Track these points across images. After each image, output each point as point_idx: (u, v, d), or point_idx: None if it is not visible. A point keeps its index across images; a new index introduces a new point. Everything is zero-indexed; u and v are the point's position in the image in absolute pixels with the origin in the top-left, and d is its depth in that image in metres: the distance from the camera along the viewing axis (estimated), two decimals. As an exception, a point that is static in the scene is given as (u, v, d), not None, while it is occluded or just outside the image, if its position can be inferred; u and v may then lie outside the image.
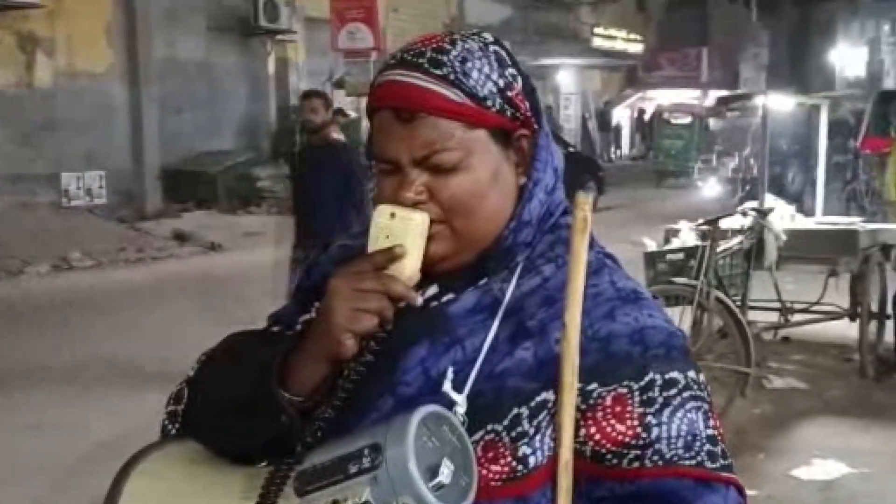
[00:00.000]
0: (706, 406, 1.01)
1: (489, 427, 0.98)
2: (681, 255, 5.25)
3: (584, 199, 0.99)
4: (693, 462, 0.98)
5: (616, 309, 1.02)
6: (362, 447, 0.90)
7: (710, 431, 1.00)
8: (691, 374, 1.01)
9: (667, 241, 5.76)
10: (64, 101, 13.10)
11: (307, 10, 16.33)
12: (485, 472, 0.96)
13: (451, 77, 1.01)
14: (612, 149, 27.00)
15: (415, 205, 1.02)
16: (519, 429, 0.98)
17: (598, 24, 24.81)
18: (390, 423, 0.91)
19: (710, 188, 17.78)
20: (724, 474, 0.99)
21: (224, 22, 15.53)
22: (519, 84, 1.05)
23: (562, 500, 0.97)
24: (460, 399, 0.98)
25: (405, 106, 1.01)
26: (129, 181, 13.98)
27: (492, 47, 1.05)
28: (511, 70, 1.05)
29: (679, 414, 0.99)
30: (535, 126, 1.07)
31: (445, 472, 0.89)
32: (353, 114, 13.49)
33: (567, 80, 23.93)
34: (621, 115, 27.55)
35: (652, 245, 5.56)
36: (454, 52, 1.02)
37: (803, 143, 16.69)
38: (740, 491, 1.01)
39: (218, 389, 1.06)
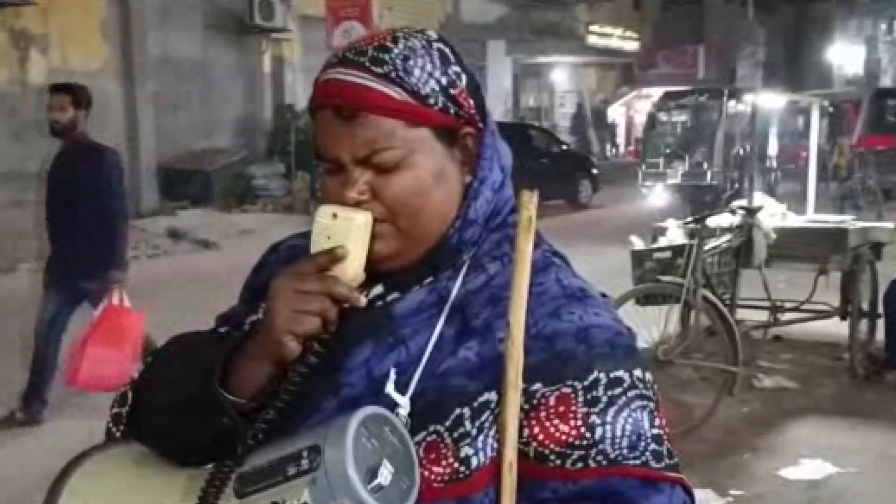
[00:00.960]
0: (652, 405, 1.00)
1: (431, 428, 0.97)
2: (668, 254, 5.24)
3: (529, 198, 0.99)
4: (638, 462, 0.97)
5: (561, 307, 1.01)
6: (301, 449, 0.90)
7: (655, 431, 0.99)
8: (637, 372, 1.01)
9: (654, 239, 5.75)
10: (58, 98, 13.08)
11: (302, 9, 16.32)
12: (427, 473, 0.96)
13: (393, 75, 1.00)
14: (608, 147, 27.00)
15: (357, 204, 1.01)
16: (461, 429, 0.97)
17: (594, 21, 24.79)
18: (330, 424, 0.91)
19: (657, 196, 14.78)
20: (671, 474, 0.98)
21: (219, 20, 15.52)
22: (463, 82, 1.04)
23: (506, 500, 0.96)
24: (403, 401, 0.97)
25: (345, 104, 1.00)
26: (125, 179, 13.96)
27: (435, 45, 1.04)
28: (455, 68, 1.04)
29: (624, 413, 0.98)
30: (481, 124, 1.07)
31: (385, 474, 0.88)
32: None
33: (562, 78, 23.94)
34: (617, 113, 27.52)
35: (639, 243, 5.55)
36: (396, 50, 1.01)
37: (758, 146, 15.00)
38: (687, 491, 1.00)
39: (162, 390, 1.06)
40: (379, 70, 1.00)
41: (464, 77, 1.05)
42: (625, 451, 0.97)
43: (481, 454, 0.97)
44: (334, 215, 1.01)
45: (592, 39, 24.50)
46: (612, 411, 0.97)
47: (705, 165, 14.55)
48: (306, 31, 16.59)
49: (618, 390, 0.98)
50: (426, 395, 0.98)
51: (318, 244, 1.01)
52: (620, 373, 0.99)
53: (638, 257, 5.39)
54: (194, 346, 1.08)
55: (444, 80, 1.03)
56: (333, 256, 0.99)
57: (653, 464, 0.97)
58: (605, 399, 0.98)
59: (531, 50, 21.34)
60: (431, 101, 1.01)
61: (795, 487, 4.28)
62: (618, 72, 27.27)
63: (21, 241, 10.85)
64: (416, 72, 1.01)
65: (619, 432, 0.97)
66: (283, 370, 1.00)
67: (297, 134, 15.49)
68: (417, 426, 0.97)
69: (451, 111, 1.03)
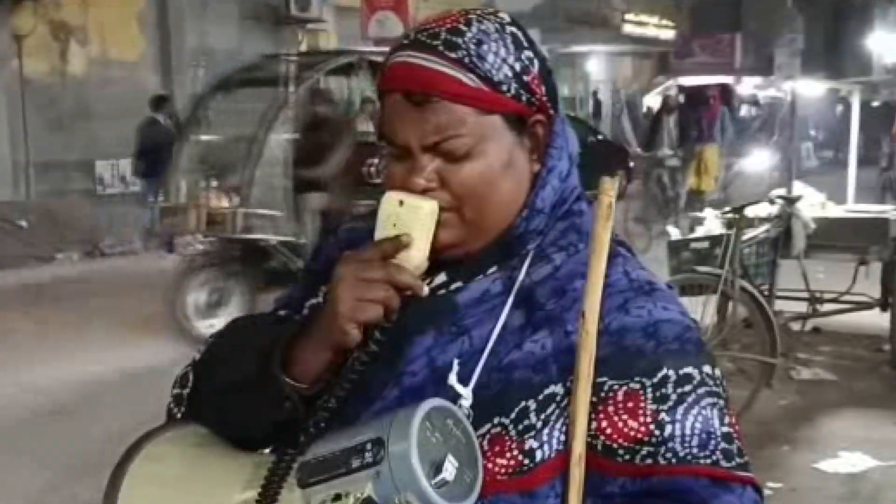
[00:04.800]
0: (722, 402, 0.98)
1: (496, 420, 0.96)
2: (705, 244, 5.19)
3: (609, 185, 0.97)
4: (708, 461, 0.95)
5: (629, 301, 0.99)
6: (365, 441, 0.89)
7: (725, 429, 0.97)
8: (707, 369, 0.98)
9: (691, 229, 5.71)
10: (97, 89, 13.23)
11: (337, -1, 16.36)
12: (490, 465, 0.95)
13: (466, 60, 0.98)
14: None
15: (425, 191, 0.99)
16: (526, 422, 0.96)
17: (629, 10, 24.56)
18: (394, 417, 0.90)
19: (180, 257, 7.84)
20: (741, 473, 0.96)
21: (256, 11, 15.58)
22: (535, 68, 1.02)
23: (574, 492, 0.95)
24: (466, 392, 0.96)
25: (418, 89, 0.98)
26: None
27: (508, 28, 1.02)
28: (528, 53, 1.02)
29: (694, 411, 0.96)
30: (551, 111, 1.04)
31: (449, 469, 0.87)
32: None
33: (597, 67, 23.75)
34: (654, 102, 27.20)
35: (676, 233, 5.51)
36: (469, 34, 0.99)
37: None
38: (757, 490, 0.97)
39: (223, 372, 1.05)
40: (452, 55, 0.98)
41: (536, 62, 1.03)
42: (694, 450, 0.95)
43: (546, 447, 0.96)
44: (401, 202, 0.99)
45: (628, 28, 24.28)
46: (681, 409, 0.96)
47: (236, 199, 7.01)
48: (341, 21, 16.61)
49: (687, 387, 0.96)
50: (490, 387, 0.97)
51: (383, 231, 1.00)
52: (689, 369, 0.97)
53: (675, 247, 5.34)
54: (254, 329, 1.08)
55: (517, 67, 1.00)
56: (398, 244, 0.97)
57: (723, 463, 0.95)
58: (674, 397, 0.96)
59: (565, 39, 21.18)
60: (504, 87, 0.99)
61: (834, 481, 4.23)
62: (654, 61, 26.99)
63: (63, 230, 11.00)
64: (490, 57, 0.98)
65: (688, 430, 0.95)
66: (342, 357, 0.99)
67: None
68: (481, 418, 0.96)
69: (523, 98, 1.01)
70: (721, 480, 0.95)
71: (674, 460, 0.94)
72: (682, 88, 13.43)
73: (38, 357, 6.33)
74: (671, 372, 0.96)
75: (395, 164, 1.02)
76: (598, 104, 22.41)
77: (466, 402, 0.96)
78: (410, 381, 0.99)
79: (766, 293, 5.35)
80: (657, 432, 0.95)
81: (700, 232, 5.52)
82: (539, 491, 0.96)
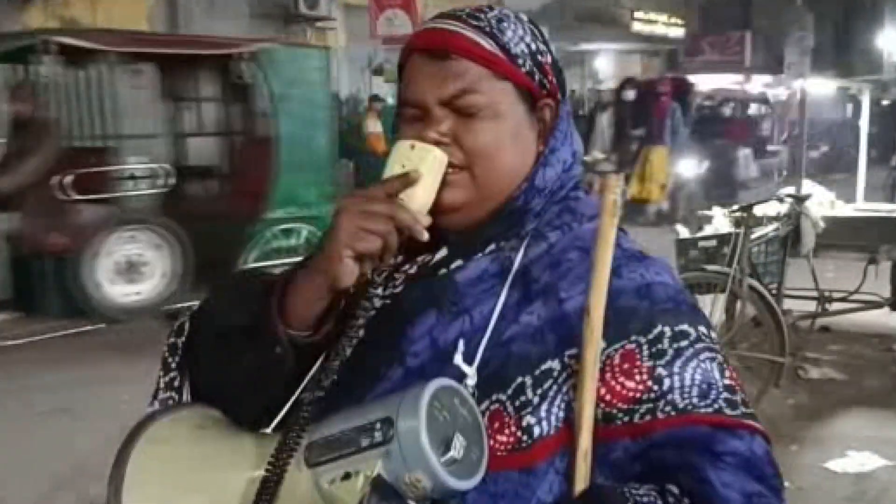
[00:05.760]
0: (721, 358, 0.98)
1: (494, 396, 0.97)
2: (713, 242, 5.18)
3: (615, 182, 0.98)
4: (710, 409, 0.94)
5: (622, 266, 1.01)
6: (374, 420, 0.89)
7: (726, 381, 0.97)
8: (702, 328, 0.99)
9: (700, 227, 5.70)
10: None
11: (346, -3, 16.36)
12: (492, 442, 0.96)
13: (486, 29, 1.04)
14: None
15: (437, 144, 1.03)
16: (522, 398, 0.97)
17: (639, 8, 24.51)
18: (402, 396, 0.90)
19: None
20: (748, 421, 0.95)
21: (265, 9, 15.61)
22: (549, 58, 1.08)
23: (580, 485, 0.95)
24: (471, 371, 0.97)
25: (438, 46, 1.03)
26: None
27: (528, 23, 1.09)
28: (542, 45, 1.08)
29: (692, 364, 0.96)
30: (560, 101, 1.09)
31: (458, 447, 0.88)
32: (391, 100, 13.50)
33: (606, 65, 23.70)
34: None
35: (684, 231, 5.50)
36: (491, 14, 1.06)
37: None
38: (767, 440, 0.96)
39: (219, 319, 1.07)
40: (474, 23, 1.05)
41: (549, 56, 1.09)
42: (695, 400, 0.94)
43: (544, 423, 0.96)
44: (412, 146, 1.02)
45: (637, 26, 24.22)
46: (679, 362, 0.96)
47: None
48: (350, 19, 16.63)
49: (684, 343, 0.97)
50: (490, 365, 0.98)
51: (391, 170, 1.02)
52: (685, 326, 0.98)
53: (683, 245, 5.33)
54: (255, 280, 1.10)
55: (533, 46, 1.06)
56: (406, 180, 1.00)
57: (727, 411, 0.94)
58: (671, 352, 0.96)
59: (574, 37, 21.15)
60: (520, 61, 1.05)
61: (843, 480, 4.22)
62: (663, 59, 26.93)
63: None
64: (509, 33, 1.05)
65: (688, 381, 0.95)
66: (336, 300, 1.00)
67: (341, 122, 15.55)
68: (482, 395, 0.97)
69: (536, 77, 1.06)
70: (726, 427, 0.93)
71: (673, 413, 0.94)
72: (630, 83, 12.23)
73: (46, 352, 6.31)
74: (666, 328, 0.97)
75: (411, 125, 1.05)
76: (577, 104, 22.42)
77: (472, 380, 0.97)
78: (413, 361, 1.01)
79: (774, 292, 5.33)
80: (655, 387, 0.95)
81: (708, 230, 5.52)
82: (538, 468, 0.96)
